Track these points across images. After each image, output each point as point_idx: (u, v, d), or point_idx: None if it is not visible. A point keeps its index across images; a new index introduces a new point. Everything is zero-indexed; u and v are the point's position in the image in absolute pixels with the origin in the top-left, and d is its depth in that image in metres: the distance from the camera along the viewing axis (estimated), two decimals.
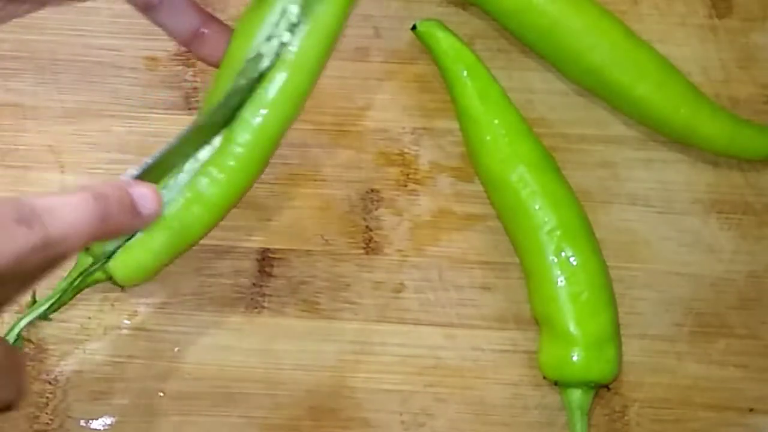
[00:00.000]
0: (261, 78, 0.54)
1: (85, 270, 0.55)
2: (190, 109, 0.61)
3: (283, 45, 0.54)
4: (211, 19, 0.56)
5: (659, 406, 0.59)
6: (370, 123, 0.62)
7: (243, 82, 0.54)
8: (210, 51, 0.56)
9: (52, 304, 0.55)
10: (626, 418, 0.59)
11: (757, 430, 0.59)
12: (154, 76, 0.62)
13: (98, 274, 0.55)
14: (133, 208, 0.47)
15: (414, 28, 0.61)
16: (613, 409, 0.59)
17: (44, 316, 0.56)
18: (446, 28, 0.60)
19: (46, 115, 0.61)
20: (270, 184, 0.59)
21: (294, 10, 0.54)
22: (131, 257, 0.54)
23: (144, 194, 0.47)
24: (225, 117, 0.54)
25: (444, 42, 0.60)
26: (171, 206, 0.54)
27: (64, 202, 0.44)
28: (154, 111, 0.61)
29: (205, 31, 0.56)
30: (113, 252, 0.54)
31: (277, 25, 0.54)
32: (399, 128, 0.62)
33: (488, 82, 0.60)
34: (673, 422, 0.59)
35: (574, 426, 0.57)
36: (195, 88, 0.62)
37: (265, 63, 0.54)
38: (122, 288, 0.56)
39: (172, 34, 0.57)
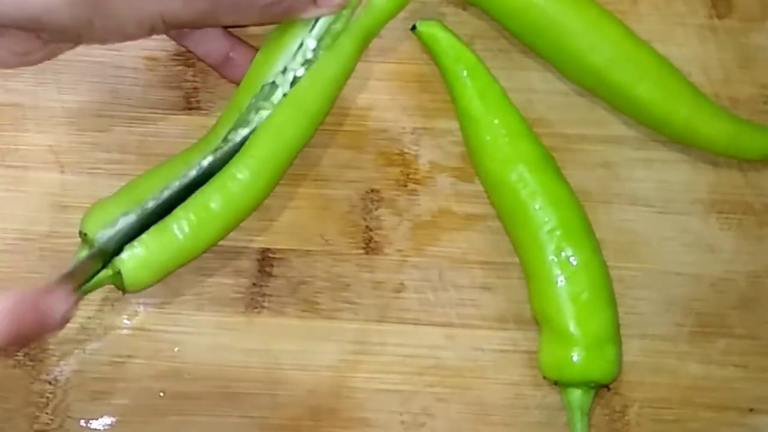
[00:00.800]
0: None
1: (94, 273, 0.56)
2: (190, 109, 0.61)
3: (296, 78, 0.57)
4: (240, 43, 0.59)
5: (659, 406, 0.59)
6: (370, 123, 0.62)
7: (226, 149, 0.57)
8: (236, 73, 0.59)
9: None
10: (626, 418, 0.59)
11: (757, 430, 0.59)
12: (154, 76, 0.62)
13: (104, 274, 0.55)
14: (45, 315, 0.50)
15: (414, 28, 0.61)
16: (613, 409, 0.59)
17: None
18: (446, 28, 0.60)
19: (46, 115, 0.61)
20: None
21: (311, 44, 0.57)
22: (144, 256, 0.55)
23: (56, 301, 0.50)
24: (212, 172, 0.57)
25: (444, 42, 0.60)
26: (180, 211, 0.56)
27: None
28: (154, 111, 0.61)
29: (234, 56, 0.59)
30: (118, 252, 0.55)
31: (294, 57, 0.57)
32: (399, 128, 0.62)
33: (488, 82, 0.60)
34: (673, 422, 0.59)
35: (574, 426, 0.57)
36: (195, 88, 0.62)
37: (278, 94, 0.57)
38: (124, 291, 0.56)
39: (202, 59, 0.60)
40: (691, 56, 0.63)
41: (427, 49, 0.61)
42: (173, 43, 0.62)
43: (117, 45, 0.61)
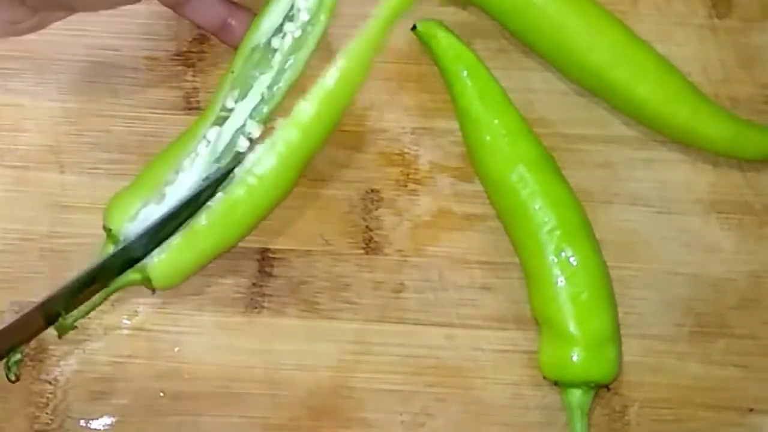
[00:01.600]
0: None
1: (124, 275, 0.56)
2: (190, 109, 0.62)
3: (296, 40, 0.57)
4: (237, 8, 0.59)
5: (659, 406, 0.59)
6: (370, 123, 0.62)
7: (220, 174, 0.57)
8: (235, 38, 0.59)
9: (84, 310, 0.56)
10: (626, 418, 0.59)
11: (757, 430, 0.59)
12: (154, 76, 0.62)
13: (133, 276, 0.56)
14: None
15: (414, 28, 0.61)
16: (613, 409, 0.59)
17: (71, 326, 0.56)
18: (446, 28, 0.60)
19: (46, 115, 0.61)
20: None
21: (302, 4, 0.56)
22: (171, 259, 0.55)
23: None
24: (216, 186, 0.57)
25: (444, 42, 0.60)
26: (206, 212, 0.56)
27: None
28: (154, 111, 0.61)
29: (232, 21, 0.59)
30: (145, 254, 0.55)
31: (291, 19, 0.57)
32: (399, 128, 0.62)
33: (488, 82, 0.60)
34: (673, 422, 0.59)
35: (574, 426, 0.57)
36: (195, 88, 0.62)
37: (277, 58, 0.57)
38: (153, 291, 0.56)
39: (200, 26, 0.60)
40: (691, 56, 0.63)
41: (427, 49, 0.61)
42: (173, 42, 0.62)
43: (117, 45, 0.61)
